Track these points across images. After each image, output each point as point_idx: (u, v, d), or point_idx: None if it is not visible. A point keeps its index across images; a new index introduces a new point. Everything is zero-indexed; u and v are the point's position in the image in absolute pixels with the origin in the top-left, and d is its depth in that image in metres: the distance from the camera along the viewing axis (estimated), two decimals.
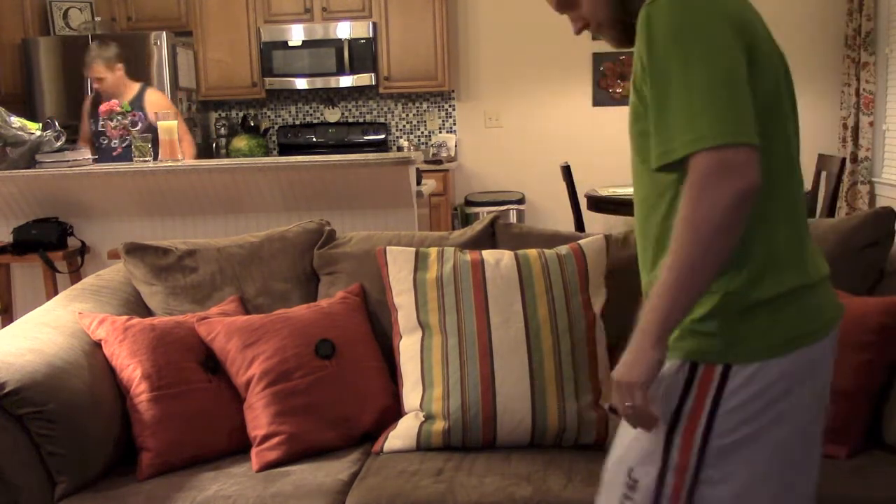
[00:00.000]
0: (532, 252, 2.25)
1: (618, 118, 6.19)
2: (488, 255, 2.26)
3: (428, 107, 6.40)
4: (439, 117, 6.40)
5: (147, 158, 3.93)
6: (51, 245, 3.71)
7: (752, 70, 1.24)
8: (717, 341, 1.27)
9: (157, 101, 4.77)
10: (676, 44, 1.20)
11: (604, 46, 6.12)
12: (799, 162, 1.36)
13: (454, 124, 6.38)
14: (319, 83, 6.09)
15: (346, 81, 6.05)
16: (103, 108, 4.35)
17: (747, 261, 1.26)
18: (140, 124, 4.06)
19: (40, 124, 3.83)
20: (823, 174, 4.78)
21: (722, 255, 1.19)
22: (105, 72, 4.72)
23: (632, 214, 3.93)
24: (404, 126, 6.45)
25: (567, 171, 4.81)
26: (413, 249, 2.30)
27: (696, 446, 1.29)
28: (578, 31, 1.48)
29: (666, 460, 1.30)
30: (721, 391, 1.27)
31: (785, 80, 1.34)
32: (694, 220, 1.18)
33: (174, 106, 5.03)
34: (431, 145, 6.35)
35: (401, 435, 2.12)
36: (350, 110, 6.47)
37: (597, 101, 6.22)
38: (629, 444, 1.35)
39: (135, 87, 4.80)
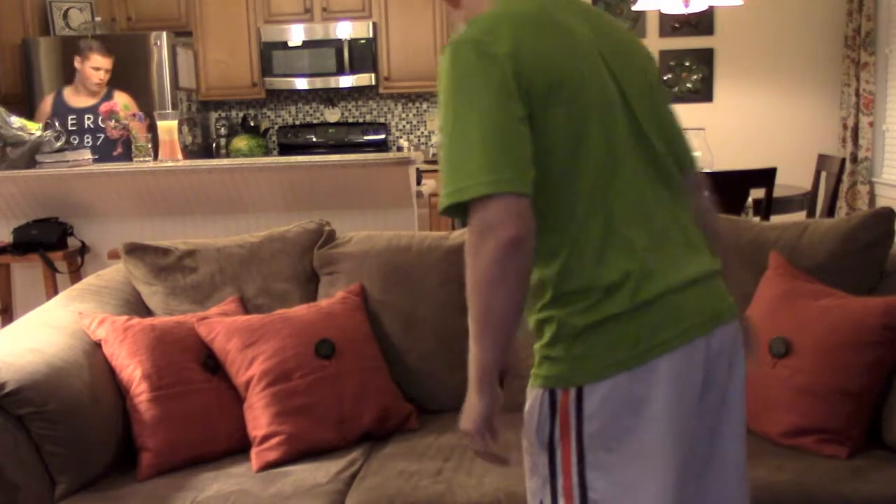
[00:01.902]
0: None
1: None
2: None
3: (428, 107, 6.40)
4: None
5: (147, 158, 3.93)
6: (51, 245, 3.70)
7: (546, 112, 1.26)
8: (565, 365, 1.30)
9: (126, 103, 4.70)
10: (450, 94, 1.26)
11: None
12: (660, 163, 1.36)
13: None
14: (319, 83, 6.09)
15: (346, 81, 6.05)
16: (104, 108, 4.35)
17: (574, 291, 1.29)
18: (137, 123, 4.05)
19: (40, 124, 3.83)
20: (823, 174, 4.78)
21: (512, 300, 1.23)
22: (108, 63, 4.65)
23: None
24: (404, 126, 6.45)
25: None
26: None
27: (574, 470, 1.31)
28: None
29: (554, 487, 1.33)
30: (580, 413, 1.29)
31: (629, 81, 1.35)
32: (472, 278, 1.24)
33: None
34: (431, 145, 6.35)
35: None
36: (350, 110, 6.47)
37: None
38: (529, 476, 1.38)
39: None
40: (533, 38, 1.29)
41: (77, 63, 4.64)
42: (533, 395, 1.34)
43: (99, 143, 4.63)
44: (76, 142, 4.53)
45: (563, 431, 1.30)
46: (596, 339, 1.29)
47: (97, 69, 4.58)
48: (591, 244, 1.30)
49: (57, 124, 3.89)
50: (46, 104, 4.69)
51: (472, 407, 1.31)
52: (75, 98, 4.66)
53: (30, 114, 5.39)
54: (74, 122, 4.57)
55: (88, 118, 4.53)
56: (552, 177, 1.28)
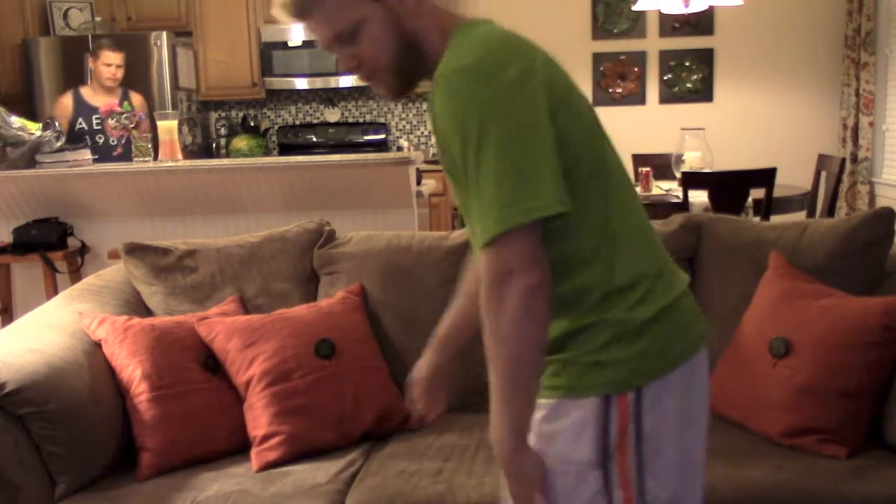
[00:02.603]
0: None
1: (618, 118, 6.19)
2: None
3: (428, 107, 6.40)
4: None
5: (147, 158, 3.93)
6: (51, 245, 3.70)
7: (567, 123, 1.23)
8: (624, 367, 1.24)
9: (141, 104, 4.81)
10: (489, 115, 1.17)
11: (604, 46, 6.12)
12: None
13: None
14: (319, 83, 6.09)
15: (346, 81, 6.05)
16: (104, 108, 4.35)
17: (623, 287, 1.25)
18: (140, 124, 4.05)
19: (40, 124, 3.83)
20: (823, 174, 4.78)
21: (540, 341, 1.20)
22: (119, 59, 4.71)
23: None
24: (404, 126, 6.45)
25: None
26: None
27: (634, 477, 1.26)
28: (350, 71, 1.35)
29: (611, 499, 1.27)
30: (640, 416, 1.24)
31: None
32: (499, 334, 1.18)
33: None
34: (431, 145, 6.35)
35: None
36: (350, 110, 6.47)
37: (597, 101, 6.21)
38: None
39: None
40: (534, 51, 1.28)
41: (90, 62, 4.72)
42: (581, 408, 1.24)
43: (123, 140, 4.66)
44: (101, 141, 4.59)
45: (622, 439, 1.24)
46: (658, 332, 1.25)
47: (108, 65, 4.65)
48: (631, 237, 1.29)
49: (57, 124, 3.88)
50: (66, 103, 4.69)
51: (523, 473, 1.23)
52: (94, 97, 4.71)
53: (30, 114, 5.39)
54: (98, 121, 4.62)
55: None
56: (580, 186, 1.24)
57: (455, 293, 1.50)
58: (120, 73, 4.71)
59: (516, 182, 1.16)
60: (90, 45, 5.59)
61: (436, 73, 1.24)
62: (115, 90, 4.76)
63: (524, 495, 1.25)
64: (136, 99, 4.87)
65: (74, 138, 4.45)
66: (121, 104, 4.67)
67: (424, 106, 6.40)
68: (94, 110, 4.62)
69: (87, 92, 4.75)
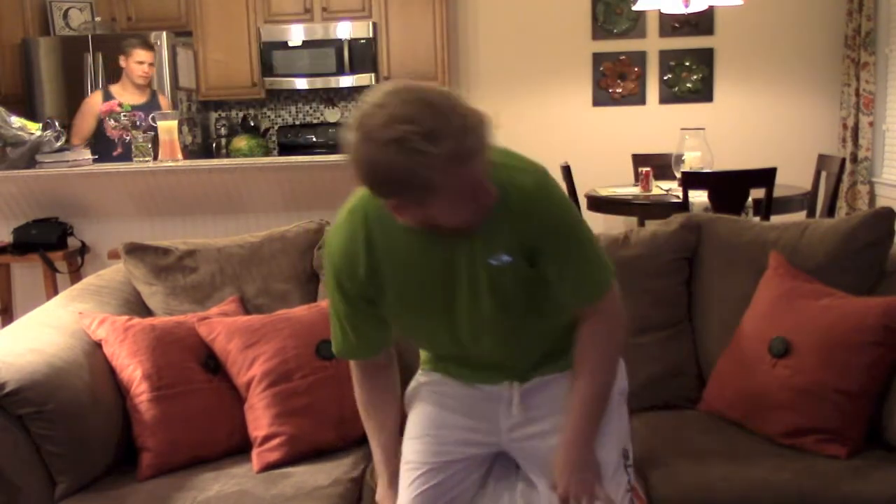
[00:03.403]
0: None
1: (618, 118, 6.19)
2: None
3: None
4: None
5: (147, 158, 3.93)
6: (51, 245, 3.71)
7: None
8: None
9: (168, 106, 4.91)
10: (571, 212, 1.62)
11: (604, 46, 6.13)
12: None
13: None
14: (319, 83, 6.09)
15: (346, 81, 6.05)
16: (104, 108, 4.35)
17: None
18: (140, 124, 4.05)
19: (40, 124, 3.83)
20: (823, 174, 4.79)
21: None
22: (151, 57, 4.77)
23: (631, 214, 4.02)
24: None
25: (567, 172, 4.81)
26: None
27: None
28: (414, 224, 1.50)
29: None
30: None
31: None
32: (611, 362, 1.68)
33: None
34: None
35: None
36: (350, 110, 6.46)
37: (597, 101, 6.22)
38: (614, 432, 1.70)
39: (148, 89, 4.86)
40: None
41: (122, 62, 4.77)
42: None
43: (126, 140, 4.67)
44: (128, 139, 4.57)
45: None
46: None
47: (141, 63, 4.71)
48: None
49: (57, 124, 3.88)
50: (96, 101, 4.70)
51: (593, 461, 1.63)
52: (124, 95, 4.74)
53: (30, 114, 5.40)
54: (127, 119, 4.63)
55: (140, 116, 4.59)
56: None
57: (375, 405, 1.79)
58: (151, 72, 4.78)
59: (602, 253, 1.66)
60: (90, 45, 5.60)
61: (513, 193, 1.53)
62: (145, 89, 4.82)
63: (589, 479, 1.60)
64: (163, 100, 4.96)
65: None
66: (149, 104, 4.71)
67: None
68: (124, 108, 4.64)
69: (117, 90, 4.78)
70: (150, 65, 4.77)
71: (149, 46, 4.77)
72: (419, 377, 1.84)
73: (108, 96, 4.73)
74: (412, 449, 1.75)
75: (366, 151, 1.38)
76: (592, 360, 1.65)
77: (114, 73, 5.60)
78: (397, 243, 1.58)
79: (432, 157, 1.35)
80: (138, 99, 4.76)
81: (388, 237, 1.58)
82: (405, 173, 1.36)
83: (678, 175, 4.28)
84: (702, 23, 6.01)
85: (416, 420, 1.79)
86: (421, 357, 1.85)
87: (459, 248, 1.57)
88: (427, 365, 1.83)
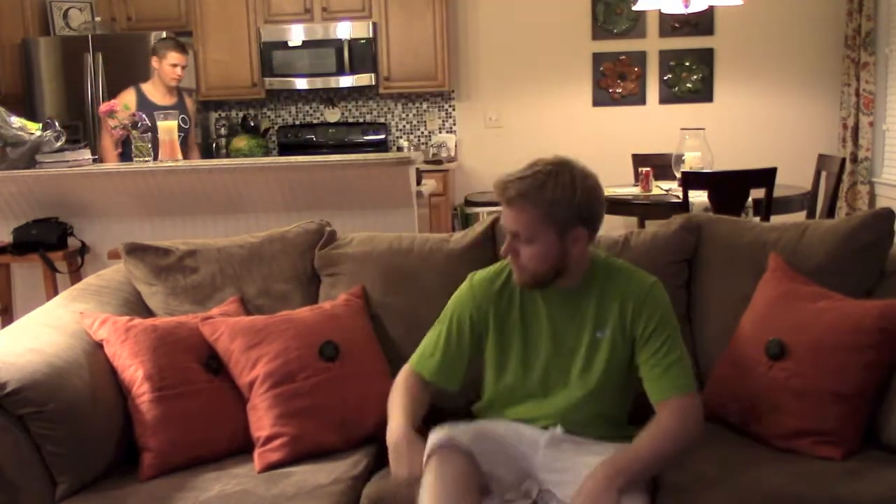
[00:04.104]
0: None
1: (618, 118, 6.19)
2: None
3: (428, 107, 6.40)
4: (439, 117, 6.40)
5: (147, 158, 3.93)
6: (51, 245, 3.71)
7: None
8: None
9: (193, 107, 4.93)
10: (674, 316, 1.96)
11: (604, 46, 6.13)
12: None
13: (454, 124, 6.38)
14: (319, 83, 6.09)
15: (346, 81, 6.05)
16: (103, 107, 4.34)
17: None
18: (141, 124, 4.05)
19: (40, 124, 3.83)
20: (823, 174, 4.79)
21: None
22: (185, 60, 4.74)
23: (631, 214, 4.06)
24: (404, 126, 6.45)
25: None
26: None
27: None
28: (504, 256, 1.93)
29: None
30: None
31: None
32: (682, 439, 1.84)
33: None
34: (431, 145, 6.35)
35: None
36: (350, 110, 6.47)
37: (597, 101, 6.22)
38: None
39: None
40: None
41: (154, 62, 4.74)
42: None
43: (181, 140, 4.65)
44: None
45: None
46: None
47: (175, 66, 4.69)
48: None
49: (57, 124, 3.87)
50: (128, 99, 4.62)
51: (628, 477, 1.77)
52: (155, 95, 4.74)
53: (30, 114, 5.39)
54: (127, 119, 4.62)
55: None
56: None
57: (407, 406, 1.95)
58: (183, 74, 4.76)
59: (689, 364, 1.93)
60: (90, 45, 5.60)
61: (635, 281, 1.95)
62: (174, 90, 4.81)
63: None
64: (190, 103, 4.97)
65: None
66: (177, 105, 4.73)
67: (425, 106, 6.40)
68: (156, 107, 4.59)
69: (148, 89, 4.77)
70: (183, 67, 4.74)
71: (183, 49, 4.74)
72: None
73: (141, 95, 4.71)
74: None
75: (578, 182, 1.90)
76: (653, 431, 1.82)
77: (114, 73, 5.62)
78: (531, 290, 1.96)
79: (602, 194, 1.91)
80: (168, 100, 4.75)
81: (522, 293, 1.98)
82: (599, 202, 1.92)
83: (678, 175, 4.28)
84: (702, 23, 6.01)
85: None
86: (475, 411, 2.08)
87: (578, 312, 1.94)
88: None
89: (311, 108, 6.49)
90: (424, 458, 1.77)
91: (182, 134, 4.70)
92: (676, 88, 6.14)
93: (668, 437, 1.81)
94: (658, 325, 1.90)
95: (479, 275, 2.03)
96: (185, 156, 4.81)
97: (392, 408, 1.94)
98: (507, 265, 1.98)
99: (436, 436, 1.80)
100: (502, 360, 1.99)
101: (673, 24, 6.04)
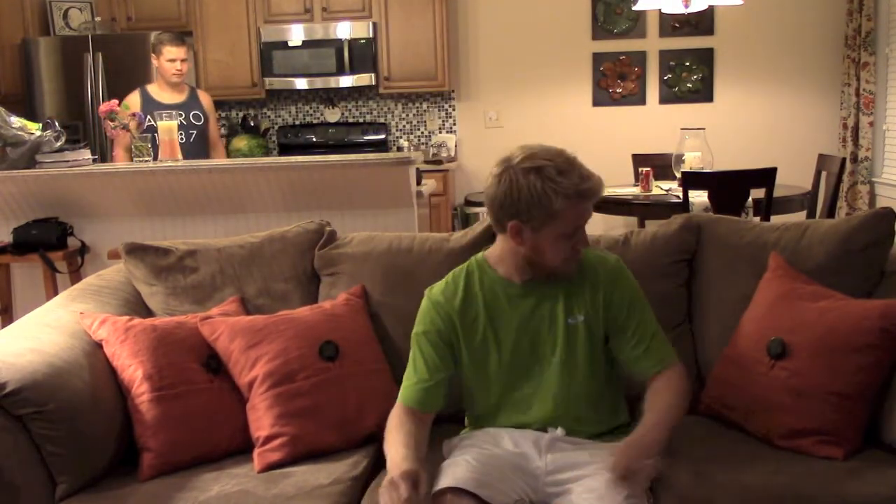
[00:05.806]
0: None
1: (618, 118, 6.19)
2: None
3: (428, 107, 6.41)
4: (439, 117, 6.40)
5: (147, 158, 3.93)
6: (51, 245, 3.70)
7: None
8: None
9: (209, 102, 4.78)
10: (641, 291, 2.01)
11: (604, 46, 6.13)
12: None
13: (454, 124, 6.39)
14: (319, 83, 6.09)
15: (346, 81, 6.05)
16: (103, 107, 4.34)
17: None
18: (142, 124, 4.05)
19: (40, 124, 3.83)
20: (823, 174, 4.79)
21: None
22: (183, 53, 4.59)
23: (631, 214, 4.08)
24: (404, 126, 6.45)
25: None
26: None
27: None
28: (515, 265, 1.94)
29: None
30: None
31: None
32: (685, 402, 1.93)
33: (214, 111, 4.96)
34: (431, 145, 6.35)
35: None
36: (350, 110, 6.47)
37: (597, 101, 6.22)
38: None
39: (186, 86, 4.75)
40: None
41: (154, 61, 4.64)
42: None
43: (192, 139, 4.59)
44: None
45: None
46: None
47: (172, 60, 4.55)
48: None
49: (57, 124, 3.87)
50: (133, 101, 4.52)
51: (658, 445, 1.80)
52: (161, 94, 4.63)
53: (30, 114, 5.39)
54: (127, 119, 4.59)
55: (180, 115, 4.44)
56: None
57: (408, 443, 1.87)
58: (185, 67, 4.60)
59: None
60: (90, 45, 5.60)
61: (599, 265, 1.98)
62: (181, 86, 4.68)
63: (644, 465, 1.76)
64: (205, 98, 4.80)
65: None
66: (189, 102, 4.63)
67: (425, 106, 6.40)
68: (162, 106, 4.48)
69: (153, 89, 4.66)
70: (183, 60, 4.56)
71: (179, 41, 4.56)
72: (455, 440, 2.01)
73: (145, 95, 4.61)
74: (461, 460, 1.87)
75: (508, 177, 1.80)
76: (664, 395, 1.88)
77: (114, 73, 5.62)
78: (491, 292, 1.95)
79: (561, 185, 1.78)
80: (177, 98, 4.63)
81: (483, 286, 1.96)
82: (538, 195, 1.77)
83: (678, 175, 4.28)
84: (702, 23, 6.01)
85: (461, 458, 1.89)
86: (466, 421, 2.08)
87: (544, 304, 1.93)
88: (467, 429, 2.05)
89: (311, 108, 6.49)
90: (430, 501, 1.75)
91: (194, 131, 4.66)
92: (676, 88, 6.14)
93: (681, 400, 1.90)
94: (631, 304, 1.95)
95: (436, 289, 2.00)
96: (205, 152, 4.71)
97: (385, 448, 1.89)
98: (458, 274, 1.99)
99: (440, 482, 1.78)
100: (481, 367, 1.96)
101: (673, 24, 6.04)
